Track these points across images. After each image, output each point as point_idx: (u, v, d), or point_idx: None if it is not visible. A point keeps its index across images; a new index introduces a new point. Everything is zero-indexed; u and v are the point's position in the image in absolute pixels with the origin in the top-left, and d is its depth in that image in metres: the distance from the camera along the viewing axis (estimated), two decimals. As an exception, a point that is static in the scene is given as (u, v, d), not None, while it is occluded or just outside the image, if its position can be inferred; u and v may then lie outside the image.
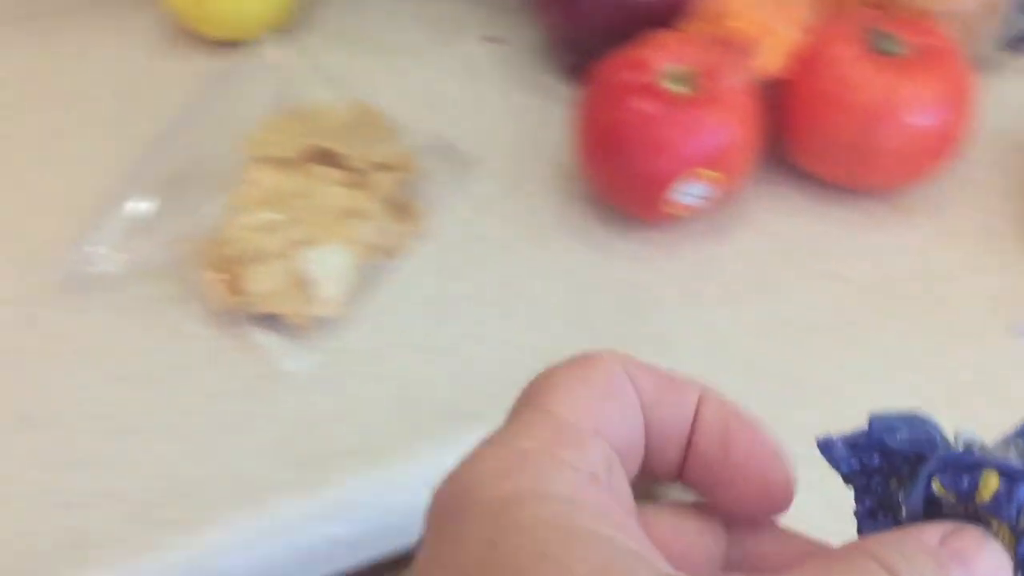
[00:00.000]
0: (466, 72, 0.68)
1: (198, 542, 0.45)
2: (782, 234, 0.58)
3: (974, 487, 0.21)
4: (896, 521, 0.23)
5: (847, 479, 0.24)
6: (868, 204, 0.58)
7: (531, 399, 0.23)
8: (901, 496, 0.23)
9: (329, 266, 0.51)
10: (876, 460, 0.24)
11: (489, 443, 0.22)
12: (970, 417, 0.50)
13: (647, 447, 0.24)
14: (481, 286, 0.56)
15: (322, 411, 0.50)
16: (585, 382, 0.23)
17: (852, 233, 0.57)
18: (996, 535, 0.21)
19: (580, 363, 0.23)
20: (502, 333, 0.53)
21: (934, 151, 0.56)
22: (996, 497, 0.21)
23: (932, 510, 0.22)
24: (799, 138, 0.58)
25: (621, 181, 0.56)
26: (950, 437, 0.23)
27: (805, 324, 0.54)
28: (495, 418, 0.51)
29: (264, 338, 0.51)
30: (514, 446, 0.22)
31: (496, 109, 0.65)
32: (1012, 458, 0.21)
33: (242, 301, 0.51)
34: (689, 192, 0.54)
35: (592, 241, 0.58)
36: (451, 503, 0.21)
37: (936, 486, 0.22)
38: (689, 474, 0.24)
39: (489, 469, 0.21)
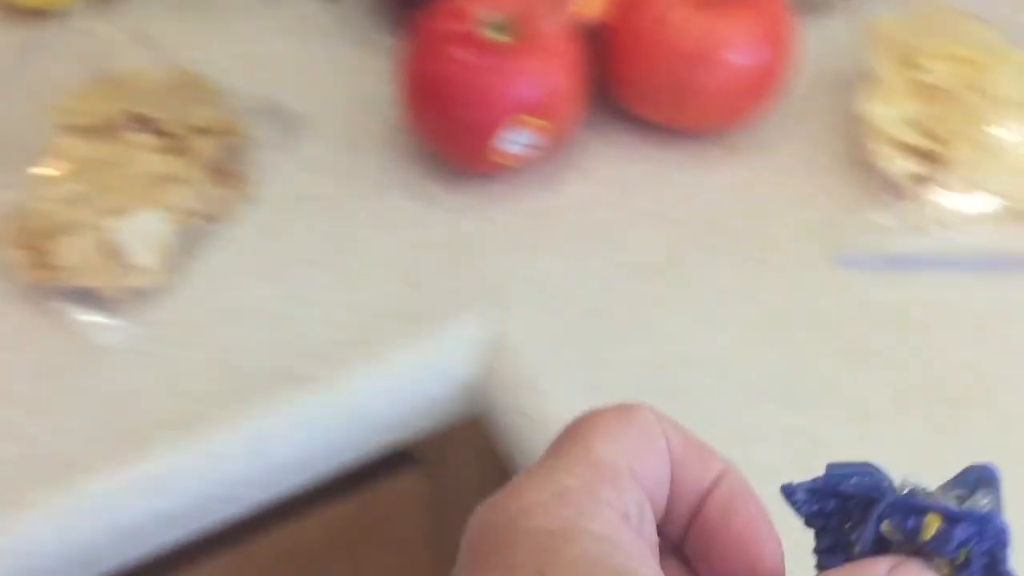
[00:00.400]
0: (296, 32, 0.66)
1: (10, 527, 0.43)
2: (613, 179, 0.58)
3: (918, 528, 0.25)
4: (849, 558, 0.26)
5: (808, 522, 0.27)
6: (696, 145, 0.59)
7: (573, 437, 0.24)
8: (854, 536, 0.26)
9: (142, 234, 0.50)
10: (832, 504, 0.27)
11: (533, 476, 0.24)
12: (792, 342, 0.51)
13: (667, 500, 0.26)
14: (310, 247, 0.55)
15: (141, 384, 0.48)
16: (625, 428, 0.24)
17: (681, 174, 0.58)
18: (937, 569, 0.25)
19: (622, 410, 0.25)
20: (332, 294, 0.52)
21: (755, 90, 0.57)
22: (937, 536, 0.24)
23: (881, 548, 0.25)
24: (623, 82, 0.58)
25: (446, 132, 0.55)
26: (896, 484, 0.26)
27: (638, 266, 0.54)
28: (327, 380, 0.50)
29: (78, 313, 0.49)
30: (557, 481, 0.23)
31: (326, 68, 0.64)
32: (950, 503, 0.25)
33: (52, 276, 0.49)
34: (515, 140, 0.54)
35: (424, 196, 0.57)
36: (498, 532, 0.22)
37: (885, 527, 0.25)
38: (690, 540, 0.26)
39: (536, 502, 0.22)
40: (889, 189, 0.55)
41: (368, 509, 0.59)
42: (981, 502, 0.26)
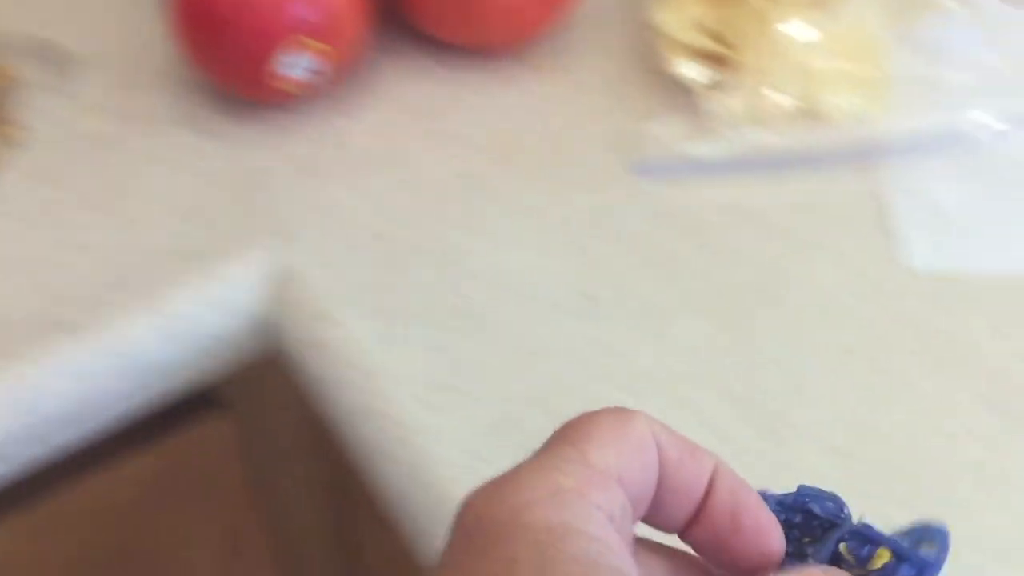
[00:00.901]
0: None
1: None
2: (407, 102, 0.56)
3: (871, 556, 0.29)
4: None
5: None
6: (491, 64, 0.57)
7: (569, 439, 0.26)
8: (811, 551, 0.30)
9: None
10: (798, 519, 0.30)
11: (528, 472, 0.25)
12: (590, 254, 0.51)
13: (662, 502, 0.27)
14: (86, 191, 0.51)
15: None
16: (618, 434, 0.26)
17: (476, 94, 0.56)
18: None
19: (618, 417, 0.26)
20: (108, 237, 0.49)
21: (544, 5, 0.55)
22: (884, 568, 0.28)
23: (833, 565, 0.29)
24: (413, 1, 0.56)
25: (221, 59, 0.52)
26: (855, 518, 0.30)
27: (432, 188, 0.52)
28: (98, 326, 0.48)
29: None
30: (553, 480, 0.24)
31: (100, 3, 0.60)
32: (902, 543, 0.29)
33: None
34: (296, 65, 0.51)
35: (209, 131, 0.54)
36: (497, 525, 0.23)
37: (843, 548, 0.29)
38: (694, 534, 0.28)
39: (535, 499, 0.24)
40: (683, 95, 0.55)
41: (177, 458, 0.57)
42: (926, 551, 0.30)
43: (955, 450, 0.43)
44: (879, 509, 0.42)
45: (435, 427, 0.44)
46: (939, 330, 0.47)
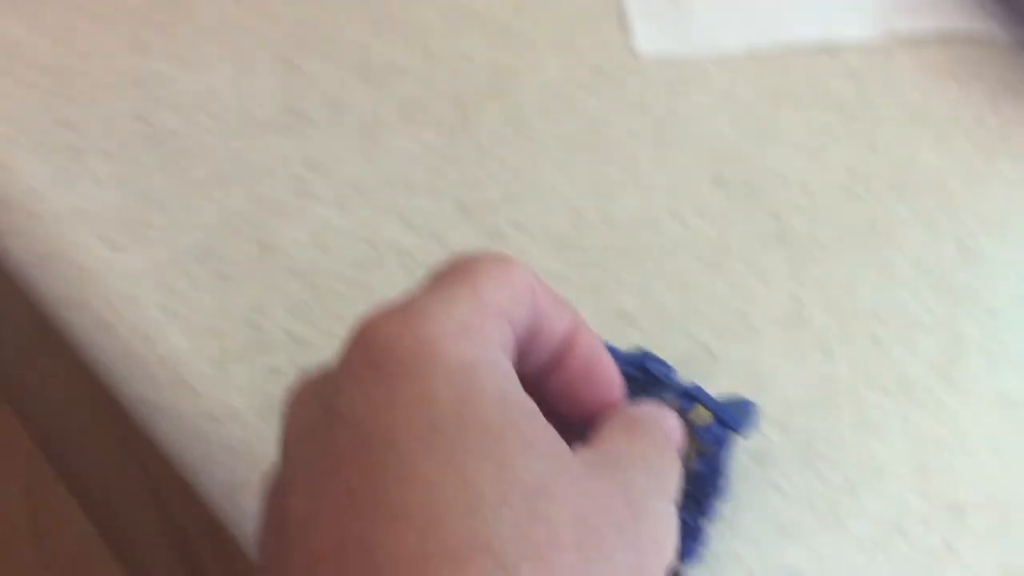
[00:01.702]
0: None
1: None
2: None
3: (689, 410, 0.34)
4: None
5: None
6: None
7: (460, 278, 0.26)
8: (643, 400, 0.32)
9: None
10: (633, 372, 0.34)
11: (430, 304, 0.25)
12: (300, 67, 0.46)
13: (528, 348, 0.27)
14: None
15: None
16: (505, 277, 0.26)
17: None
18: (689, 448, 0.33)
19: (503, 261, 0.26)
20: None
21: None
22: (701, 424, 0.33)
23: None
24: None
25: None
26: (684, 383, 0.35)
27: (117, 17, 0.47)
28: None
29: None
30: (455, 315, 0.24)
31: None
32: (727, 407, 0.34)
33: None
34: None
35: None
36: (408, 354, 0.23)
37: (671, 401, 0.34)
38: (551, 381, 0.29)
39: (444, 333, 0.24)
40: None
41: None
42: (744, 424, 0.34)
43: (684, 230, 0.42)
44: (611, 298, 0.40)
45: (124, 266, 0.40)
46: (665, 114, 0.46)
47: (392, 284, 0.40)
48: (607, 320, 0.40)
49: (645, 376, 0.35)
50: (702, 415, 0.34)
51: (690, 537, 0.33)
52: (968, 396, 0.38)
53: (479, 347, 0.24)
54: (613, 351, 0.34)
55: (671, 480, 0.27)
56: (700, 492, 0.34)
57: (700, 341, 0.39)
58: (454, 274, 0.26)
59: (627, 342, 0.39)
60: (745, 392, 0.37)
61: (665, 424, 0.28)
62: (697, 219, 0.42)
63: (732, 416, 0.34)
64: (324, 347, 0.38)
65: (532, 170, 0.44)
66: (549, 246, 0.41)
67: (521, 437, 0.23)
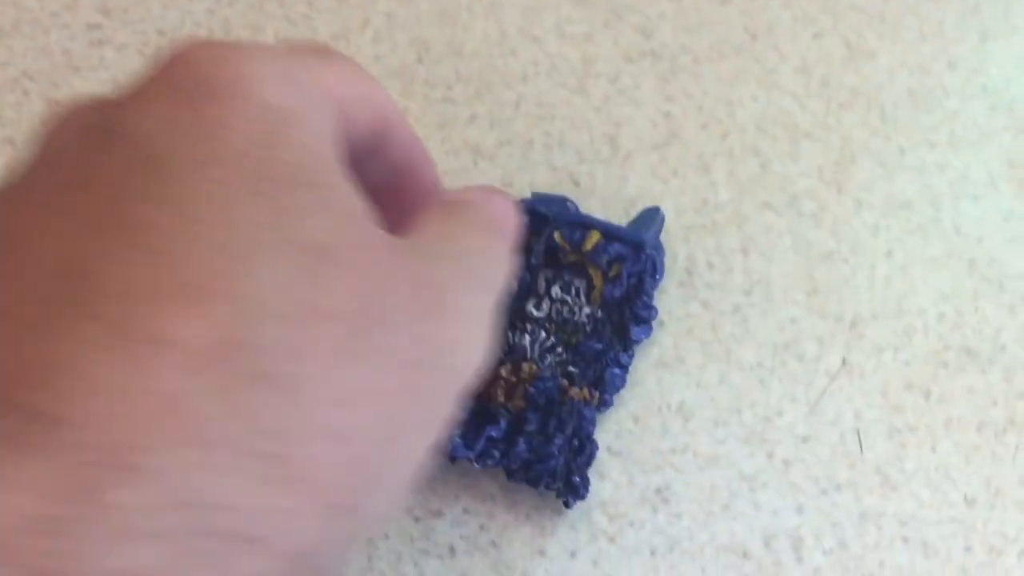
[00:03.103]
0: None
1: None
2: None
3: (582, 240, 0.32)
4: (528, 261, 0.32)
5: None
6: None
7: (311, 47, 0.23)
8: (534, 243, 0.32)
9: None
10: (525, 219, 0.31)
11: (261, 47, 0.21)
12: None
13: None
14: None
15: None
16: (359, 76, 0.23)
17: None
18: (592, 279, 0.32)
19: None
20: None
21: None
22: (595, 248, 0.31)
23: (551, 256, 0.32)
24: None
25: None
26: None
27: None
28: None
29: None
30: (289, 63, 0.21)
31: None
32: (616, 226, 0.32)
33: None
34: None
35: None
36: (221, 86, 0.20)
37: (557, 236, 0.32)
38: (367, 171, 0.24)
39: (266, 73, 0.20)
40: None
41: None
42: (638, 228, 0.32)
43: (543, 54, 0.38)
44: (464, 133, 0.36)
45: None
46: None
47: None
48: (461, 157, 0.35)
49: (534, 220, 0.32)
50: (593, 239, 0.31)
51: (618, 367, 0.31)
52: (860, 204, 0.35)
53: (301, 97, 0.20)
54: None
55: (491, 273, 0.22)
56: (620, 321, 0.31)
57: (565, 170, 0.35)
58: (311, 46, 0.23)
59: (484, 178, 0.35)
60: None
61: (490, 209, 0.24)
62: (556, 40, 0.38)
63: (626, 232, 0.32)
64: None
65: (368, 8, 0.39)
66: (392, 82, 0.37)
67: (318, 194, 0.19)
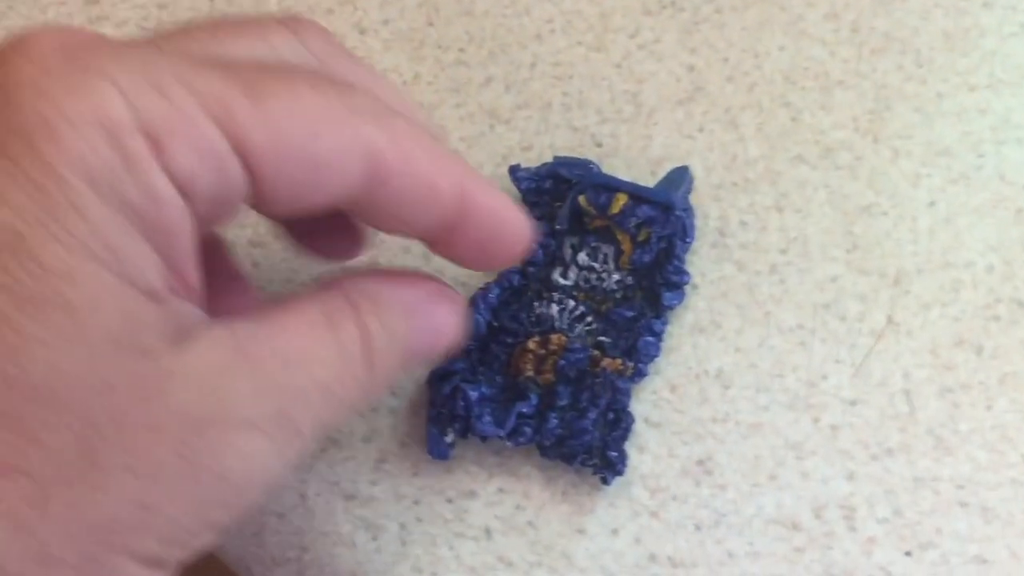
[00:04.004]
0: None
1: None
2: None
3: (608, 203, 0.30)
4: (552, 229, 0.31)
5: (524, 198, 0.32)
6: None
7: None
8: (560, 209, 0.31)
9: None
10: (548, 184, 0.31)
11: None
12: None
13: (378, 204, 0.21)
14: None
15: None
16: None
17: None
18: (620, 244, 0.30)
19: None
20: None
21: None
22: (622, 211, 0.30)
23: (575, 219, 0.31)
24: None
25: None
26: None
27: None
28: None
29: None
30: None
31: None
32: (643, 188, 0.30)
33: None
34: None
35: None
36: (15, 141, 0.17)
37: (582, 200, 0.30)
38: (450, 250, 0.23)
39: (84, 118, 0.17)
40: None
41: None
42: (666, 189, 0.31)
43: (558, 11, 0.36)
44: (478, 97, 0.34)
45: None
46: None
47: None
48: (477, 122, 0.34)
49: (556, 184, 0.31)
50: (620, 202, 0.30)
51: (651, 335, 0.29)
52: (898, 153, 0.33)
53: (114, 157, 0.18)
54: (518, 171, 0.32)
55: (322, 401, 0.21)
56: (652, 286, 0.30)
57: (586, 131, 0.33)
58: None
59: (501, 144, 0.33)
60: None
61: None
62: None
63: (654, 193, 0.30)
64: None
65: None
66: (402, 46, 0.35)
67: (50, 317, 0.17)
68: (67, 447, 0.17)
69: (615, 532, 0.28)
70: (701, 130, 0.33)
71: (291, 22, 0.22)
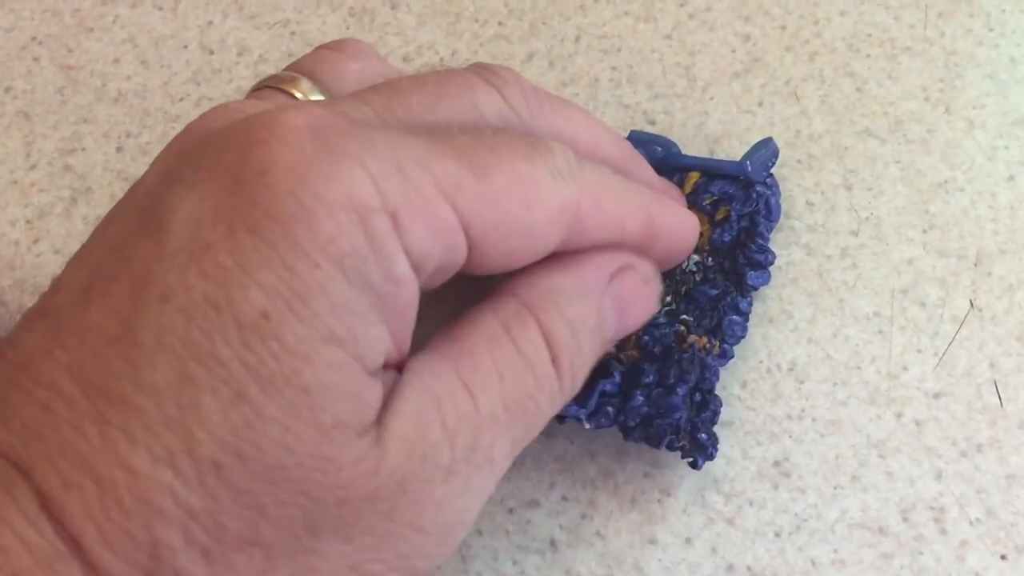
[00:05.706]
0: None
1: None
2: None
3: (683, 182, 0.29)
4: None
5: None
6: None
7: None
8: None
9: None
10: None
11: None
12: None
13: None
14: None
15: None
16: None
17: None
18: (699, 223, 0.27)
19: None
20: None
21: None
22: (695, 190, 0.29)
23: None
24: None
25: None
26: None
27: None
28: None
29: None
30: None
31: None
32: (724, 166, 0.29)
33: None
34: None
35: None
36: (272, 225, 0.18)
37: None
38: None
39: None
40: None
41: None
42: (741, 162, 0.29)
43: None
44: (524, 70, 0.32)
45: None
46: None
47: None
48: (521, 103, 0.32)
49: None
50: (692, 180, 0.28)
51: (737, 314, 0.27)
52: (972, 124, 0.31)
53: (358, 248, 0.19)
54: None
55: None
56: (733, 267, 0.28)
57: (637, 108, 0.31)
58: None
59: (549, 124, 0.31)
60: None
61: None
62: (614, -38, 0.34)
63: (729, 166, 0.28)
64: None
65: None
66: (437, 21, 0.33)
67: (288, 400, 0.18)
68: (294, 521, 0.18)
69: (689, 541, 0.26)
70: (760, 104, 0.31)
71: (490, 76, 0.22)
